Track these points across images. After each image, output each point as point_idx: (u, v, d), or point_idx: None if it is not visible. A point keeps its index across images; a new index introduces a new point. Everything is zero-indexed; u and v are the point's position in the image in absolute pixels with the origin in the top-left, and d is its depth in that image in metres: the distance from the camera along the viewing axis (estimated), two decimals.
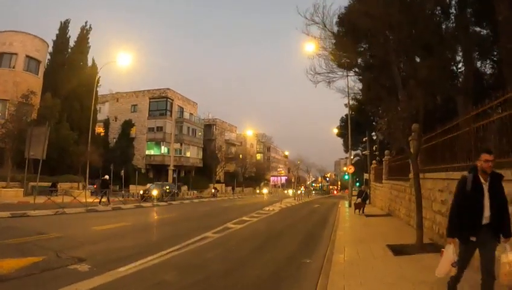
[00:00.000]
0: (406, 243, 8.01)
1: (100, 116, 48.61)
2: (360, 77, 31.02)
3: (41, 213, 13.82)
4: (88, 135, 29.10)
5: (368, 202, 19.52)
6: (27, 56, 29.57)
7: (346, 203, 26.23)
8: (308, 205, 28.36)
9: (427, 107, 15.14)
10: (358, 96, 31.44)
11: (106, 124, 47.81)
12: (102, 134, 47.18)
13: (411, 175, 10.90)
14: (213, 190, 42.68)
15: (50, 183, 24.49)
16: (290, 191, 61.00)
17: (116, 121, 48.30)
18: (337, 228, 11.35)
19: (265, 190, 59.98)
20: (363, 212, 16.94)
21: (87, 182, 28.87)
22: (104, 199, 21.06)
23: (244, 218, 15.06)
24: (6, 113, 25.52)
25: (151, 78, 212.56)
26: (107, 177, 23.79)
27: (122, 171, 30.24)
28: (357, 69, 31.05)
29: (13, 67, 28.64)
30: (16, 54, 28.93)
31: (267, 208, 21.22)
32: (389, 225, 12.11)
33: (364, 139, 26.45)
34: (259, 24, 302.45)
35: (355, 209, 17.76)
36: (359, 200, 17.97)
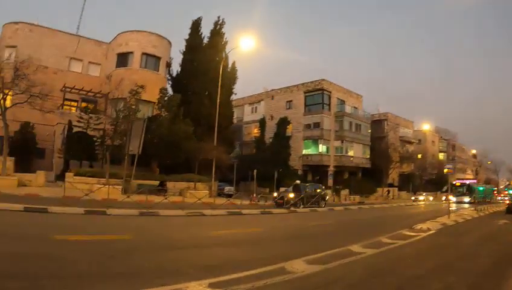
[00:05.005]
0: None
1: (256, 116, 47.25)
2: None
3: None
4: (216, 132, 26.17)
5: None
6: (143, 53, 29.38)
7: None
8: (490, 221, 17.81)
9: None
10: None
11: (262, 123, 45.42)
12: (257, 134, 45.17)
13: None
14: None
15: (158, 182, 22.29)
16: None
17: (272, 119, 45.30)
18: None
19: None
20: None
21: (213, 182, 25.67)
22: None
23: (354, 248, 6.97)
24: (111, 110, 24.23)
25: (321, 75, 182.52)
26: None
27: (254, 172, 25.93)
28: None
29: (129, 66, 28.81)
30: (131, 52, 29.01)
31: (419, 226, 12.86)
32: None
33: None
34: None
35: None
36: None
